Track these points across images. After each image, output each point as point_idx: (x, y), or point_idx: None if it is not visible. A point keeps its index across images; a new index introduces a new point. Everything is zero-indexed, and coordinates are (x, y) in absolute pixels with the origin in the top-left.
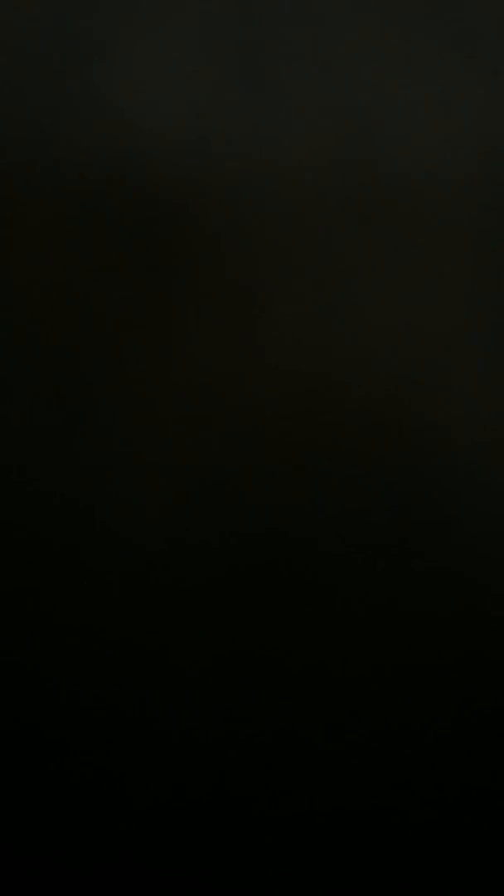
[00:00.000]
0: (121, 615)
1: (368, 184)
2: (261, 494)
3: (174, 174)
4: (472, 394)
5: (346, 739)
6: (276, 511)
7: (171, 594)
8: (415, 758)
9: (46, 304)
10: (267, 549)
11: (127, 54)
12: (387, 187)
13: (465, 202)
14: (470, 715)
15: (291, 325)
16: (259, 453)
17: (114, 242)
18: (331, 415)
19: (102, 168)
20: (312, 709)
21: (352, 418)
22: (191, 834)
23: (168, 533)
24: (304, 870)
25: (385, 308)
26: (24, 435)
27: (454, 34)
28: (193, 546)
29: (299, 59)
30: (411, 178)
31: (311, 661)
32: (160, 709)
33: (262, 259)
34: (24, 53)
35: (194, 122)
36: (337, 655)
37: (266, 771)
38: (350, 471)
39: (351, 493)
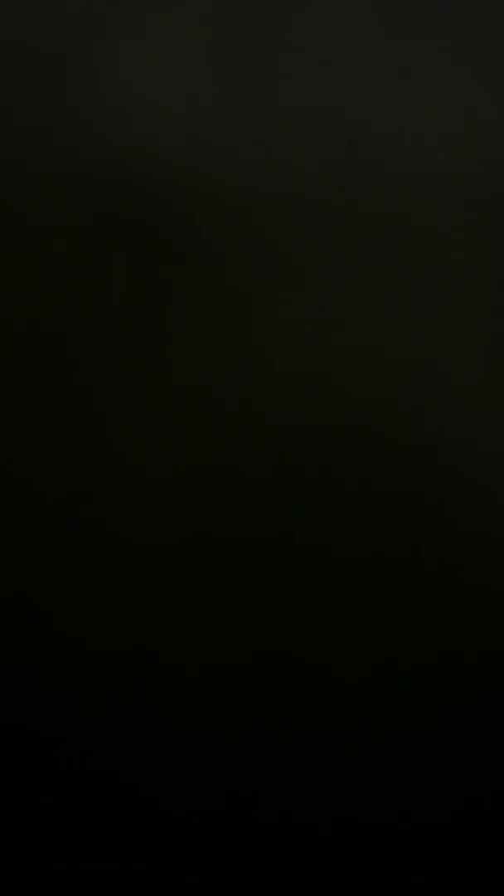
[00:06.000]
0: (121, 617)
1: (369, 185)
2: (261, 496)
3: (174, 175)
4: (472, 394)
5: (350, 744)
6: (275, 512)
7: (172, 596)
8: (418, 763)
9: (46, 306)
10: (266, 550)
11: (126, 55)
12: (387, 189)
13: (466, 203)
14: (473, 716)
15: (291, 326)
16: (259, 454)
17: (112, 243)
18: (331, 416)
19: (101, 169)
20: (317, 713)
21: (352, 419)
22: (190, 838)
23: (167, 535)
24: (305, 874)
25: (385, 309)
26: (23, 435)
27: (455, 35)
28: (192, 548)
29: (300, 60)
30: (412, 180)
31: (315, 663)
32: (161, 712)
33: (262, 260)
34: (23, 54)
35: (194, 124)
36: (340, 658)
37: (270, 778)
38: (350, 472)
39: (351, 494)
